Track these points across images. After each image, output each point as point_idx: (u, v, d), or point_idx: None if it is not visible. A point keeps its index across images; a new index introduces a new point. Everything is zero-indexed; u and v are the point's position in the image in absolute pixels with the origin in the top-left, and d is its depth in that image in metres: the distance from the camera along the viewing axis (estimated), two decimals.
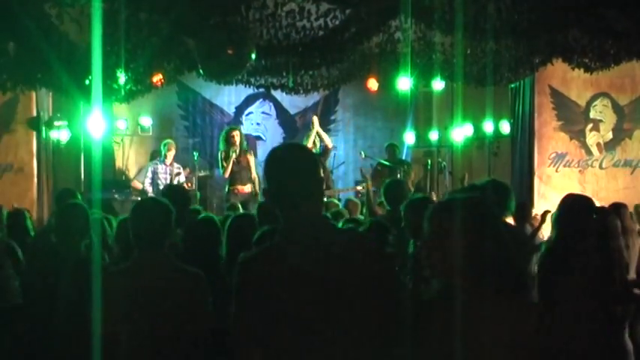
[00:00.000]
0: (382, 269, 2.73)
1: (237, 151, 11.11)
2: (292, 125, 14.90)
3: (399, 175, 11.51)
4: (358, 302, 2.58)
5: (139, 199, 9.45)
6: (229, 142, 11.16)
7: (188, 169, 12.02)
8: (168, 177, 11.54)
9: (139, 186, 11.68)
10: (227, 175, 11.19)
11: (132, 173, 13.38)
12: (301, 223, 2.67)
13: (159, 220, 3.76)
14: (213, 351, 3.79)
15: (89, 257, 4.60)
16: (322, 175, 2.86)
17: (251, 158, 11.39)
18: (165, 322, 3.59)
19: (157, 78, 10.52)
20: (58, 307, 4.45)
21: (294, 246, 2.63)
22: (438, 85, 12.80)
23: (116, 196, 11.65)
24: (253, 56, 9.32)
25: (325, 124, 14.28)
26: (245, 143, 11.55)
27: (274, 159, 2.77)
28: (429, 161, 12.93)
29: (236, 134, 11.24)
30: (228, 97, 14.56)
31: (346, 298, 2.58)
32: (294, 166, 2.72)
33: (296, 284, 2.58)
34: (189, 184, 11.69)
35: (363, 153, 12.87)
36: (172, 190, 7.25)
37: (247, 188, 11.18)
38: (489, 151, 12.88)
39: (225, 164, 11.12)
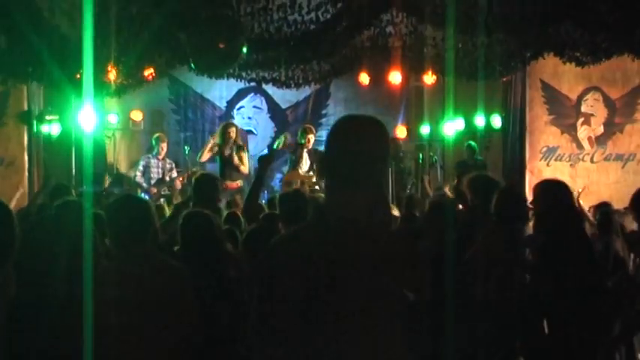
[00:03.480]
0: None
1: (231, 146, 11.15)
2: (284, 119, 14.86)
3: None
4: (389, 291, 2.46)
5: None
6: (224, 137, 11.19)
7: None
8: (161, 171, 11.54)
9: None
10: (203, 159, 11.29)
11: (123, 167, 13.33)
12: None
13: (138, 216, 3.79)
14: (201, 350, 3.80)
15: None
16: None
17: (244, 155, 11.42)
18: (154, 315, 3.59)
19: (148, 72, 10.52)
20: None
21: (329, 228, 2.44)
22: (429, 79, 12.80)
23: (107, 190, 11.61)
24: (244, 50, 9.33)
25: (317, 119, 14.29)
26: (240, 139, 11.60)
27: (340, 129, 2.56)
28: (421, 155, 12.92)
29: (232, 130, 11.26)
30: (219, 91, 14.49)
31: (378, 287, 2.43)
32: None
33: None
34: (182, 179, 11.67)
35: None
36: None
37: (237, 184, 11.23)
38: (481, 145, 12.89)
39: (206, 151, 11.21)
